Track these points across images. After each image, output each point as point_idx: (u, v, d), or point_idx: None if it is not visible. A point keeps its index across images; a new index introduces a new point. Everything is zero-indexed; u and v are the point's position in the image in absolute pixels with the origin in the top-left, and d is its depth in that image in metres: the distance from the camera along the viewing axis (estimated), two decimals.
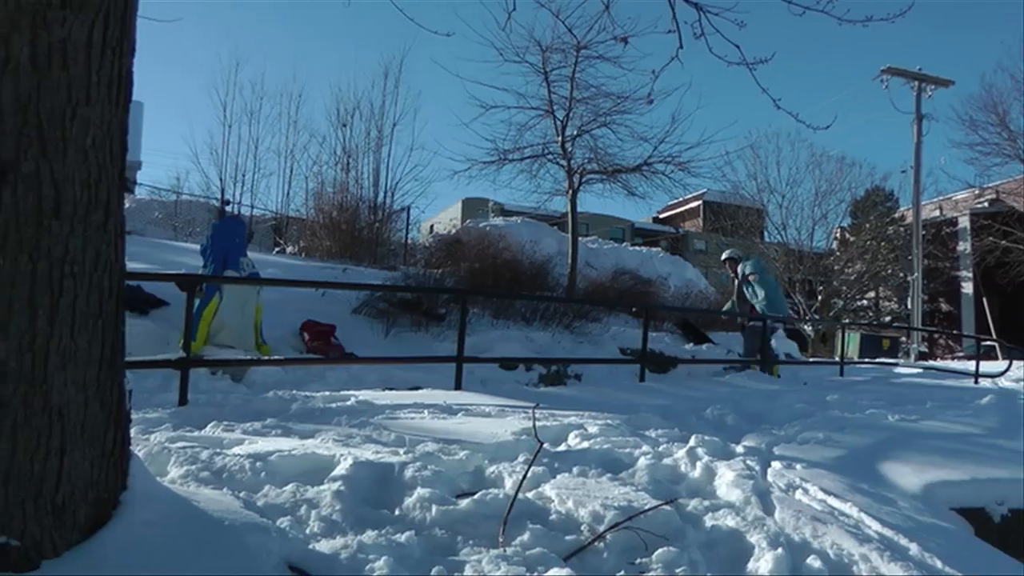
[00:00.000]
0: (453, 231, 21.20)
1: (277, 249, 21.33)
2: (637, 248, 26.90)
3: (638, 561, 3.04)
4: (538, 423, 4.47)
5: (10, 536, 2.08)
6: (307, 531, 3.03)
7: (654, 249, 25.80)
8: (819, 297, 35.41)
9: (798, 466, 4.49)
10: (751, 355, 12.11)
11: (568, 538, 3.17)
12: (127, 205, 2.89)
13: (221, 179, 23.49)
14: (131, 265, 2.68)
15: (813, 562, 3.10)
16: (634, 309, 14.69)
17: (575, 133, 16.37)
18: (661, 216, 60.98)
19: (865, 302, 39.77)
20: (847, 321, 31.31)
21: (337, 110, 21.82)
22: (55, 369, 2.18)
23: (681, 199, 36.27)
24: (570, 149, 16.36)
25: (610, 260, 18.87)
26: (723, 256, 13.77)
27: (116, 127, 2.39)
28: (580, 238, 18.01)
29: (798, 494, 3.99)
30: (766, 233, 37.97)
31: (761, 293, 12.44)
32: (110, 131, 2.35)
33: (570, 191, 16.41)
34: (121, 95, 2.40)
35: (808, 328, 31.72)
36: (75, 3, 2.17)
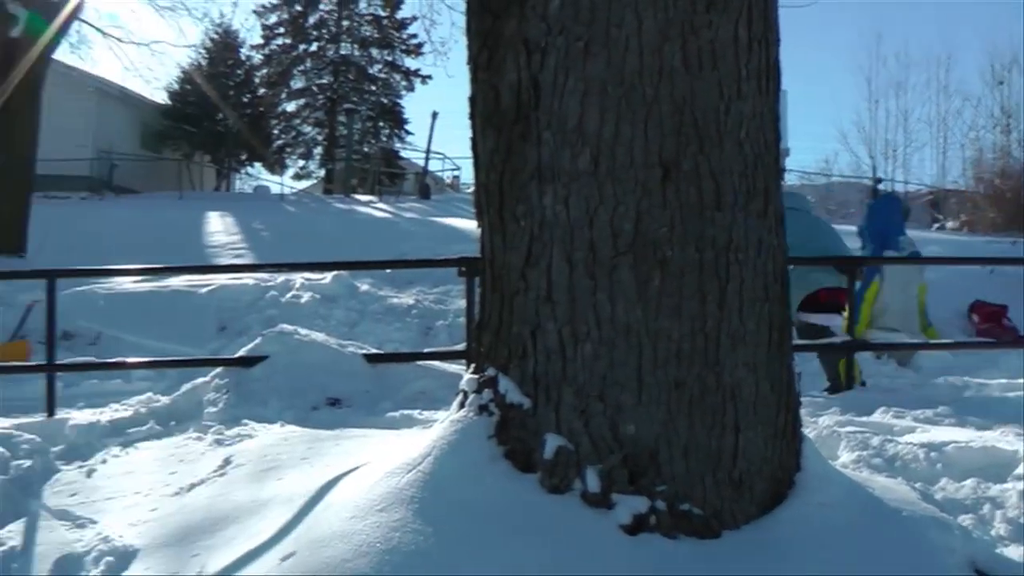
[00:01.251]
0: None
1: (936, 225, 20.15)
2: None
3: None
4: None
5: (692, 505, 2.26)
6: (991, 532, 2.81)
7: None
8: None
9: None
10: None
11: None
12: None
13: (871, 157, 23.10)
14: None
15: None
16: None
17: None
18: None
19: None
20: None
21: (992, 67, 19.94)
22: (726, 351, 2.32)
23: None
24: None
25: None
26: None
27: (767, 117, 2.46)
28: None
29: None
30: None
31: None
32: (762, 122, 2.43)
33: None
34: (770, 85, 2.47)
35: None
36: (719, 5, 2.29)
